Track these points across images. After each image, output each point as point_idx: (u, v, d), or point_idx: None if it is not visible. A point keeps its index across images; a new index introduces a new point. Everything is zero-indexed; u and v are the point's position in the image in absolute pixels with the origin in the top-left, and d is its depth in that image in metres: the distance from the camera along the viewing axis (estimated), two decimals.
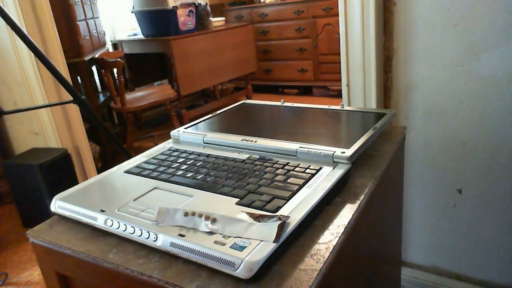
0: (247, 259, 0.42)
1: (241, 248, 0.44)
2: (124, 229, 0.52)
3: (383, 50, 1.11)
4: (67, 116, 2.00)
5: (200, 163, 0.68)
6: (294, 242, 0.49)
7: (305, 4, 3.73)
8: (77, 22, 2.41)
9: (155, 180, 0.63)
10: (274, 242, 0.45)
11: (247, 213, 0.50)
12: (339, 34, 1.14)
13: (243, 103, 1.00)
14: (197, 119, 0.90)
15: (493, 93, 1.00)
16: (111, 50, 3.41)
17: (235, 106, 0.97)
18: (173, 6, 2.98)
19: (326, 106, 0.91)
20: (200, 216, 0.49)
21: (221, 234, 0.47)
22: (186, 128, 0.83)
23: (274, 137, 0.72)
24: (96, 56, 2.64)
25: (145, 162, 0.71)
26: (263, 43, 4.13)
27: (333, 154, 0.63)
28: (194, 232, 0.48)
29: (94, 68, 3.06)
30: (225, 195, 0.56)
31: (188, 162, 0.69)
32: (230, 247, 0.44)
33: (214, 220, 0.49)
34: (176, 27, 3.07)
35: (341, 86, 1.19)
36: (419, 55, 1.06)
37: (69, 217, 0.58)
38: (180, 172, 0.65)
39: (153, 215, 0.52)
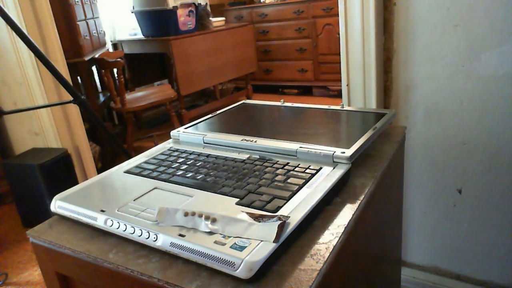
0: (247, 259, 0.42)
1: (241, 248, 0.44)
2: (124, 229, 0.52)
3: (383, 50, 1.11)
4: (67, 116, 2.00)
5: (200, 163, 0.68)
6: (294, 242, 0.49)
7: (305, 4, 3.73)
8: (77, 22, 2.40)
9: (155, 180, 0.63)
10: (274, 242, 0.45)
11: (247, 213, 0.50)
12: (339, 34, 1.14)
13: (243, 103, 1.00)
14: (197, 119, 0.90)
15: (493, 93, 1.00)
16: (111, 50, 3.41)
17: (235, 106, 0.97)
18: (173, 6, 2.98)
19: (326, 106, 0.91)
20: (200, 216, 0.50)
21: (221, 234, 0.47)
22: (186, 128, 0.83)
23: (274, 137, 0.72)
24: (96, 56, 2.64)
25: (145, 162, 0.71)
26: (263, 43, 4.13)
27: (333, 154, 0.63)
28: (194, 232, 0.48)
29: (94, 68, 3.06)
30: (225, 195, 0.56)
31: (188, 162, 0.69)
32: (230, 247, 0.44)
33: (214, 220, 0.49)
34: (176, 27, 3.07)
35: (341, 86, 1.19)
36: (419, 55, 1.06)
37: (69, 217, 0.58)
38: (180, 172, 0.65)
39: (153, 215, 0.52)
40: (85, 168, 2.11)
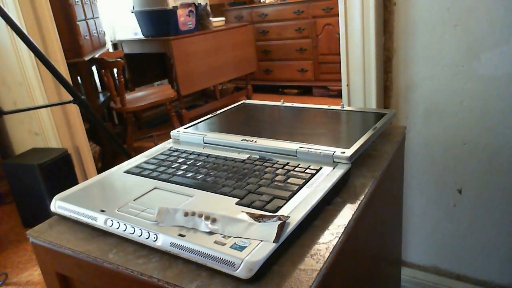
0: (247, 259, 0.42)
1: (241, 248, 0.44)
2: (124, 229, 0.52)
3: (383, 50, 1.11)
4: (67, 116, 2.00)
5: (200, 163, 0.68)
6: (294, 242, 0.49)
7: (305, 4, 3.72)
8: (77, 22, 2.40)
9: (155, 180, 0.63)
10: (274, 242, 0.45)
11: (247, 213, 0.50)
12: (339, 34, 1.14)
13: (243, 103, 1.00)
14: (197, 119, 0.90)
15: (493, 93, 1.00)
16: (111, 50, 3.41)
17: (235, 106, 0.97)
18: (173, 6, 2.98)
19: (326, 106, 0.91)
20: (200, 216, 0.50)
21: (221, 234, 0.47)
22: (186, 128, 0.83)
23: (274, 137, 0.72)
24: (96, 56, 2.64)
25: (145, 162, 0.71)
26: (263, 43, 4.13)
27: (333, 154, 0.63)
28: (194, 232, 0.48)
29: (94, 68, 3.06)
30: (225, 195, 0.56)
31: (188, 162, 0.69)
32: (230, 247, 0.44)
33: (214, 220, 0.49)
34: (176, 27, 3.07)
35: (341, 86, 1.19)
36: (419, 55, 1.06)
37: (69, 217, 0.58)
38: (180, 172, 0.65)
39: (153, 215, 0.52)
40: (85, 168, 2.11)
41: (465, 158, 1.09)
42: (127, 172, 0.68)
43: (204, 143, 0.77)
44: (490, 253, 1.14)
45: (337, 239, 0.49)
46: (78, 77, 2.49)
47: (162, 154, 0.74)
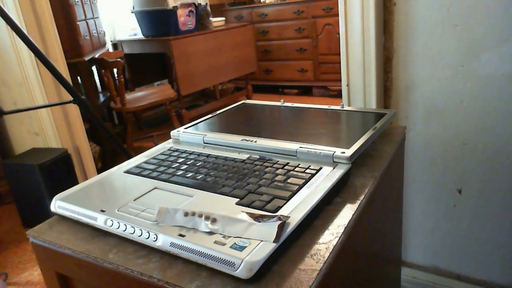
0: (247, 259, 0.42)
1: (241, 248, 0.44)
2: (124, 229, 0.52)
3: (383, 50, 1.11)
4: (67, 116, 2.00)
5: (200, 163, 0.68)
6: (294, 242, 0.49)
7: (305, 4, 3.73)
8: (77, 22, 2.40)
9: (155, 180, 0.63)
10: (274, 242, 0.45)
11: (247, 213, 0.50)
12: (339, 34, 1.14)
13: (243, 103, 1.00)
14: (197, 119, 0.90)
15: (493, 93, 1.00)
16: (111, 50, 3.41)
17: (235, 106, 0.97)
18: (173, 6, 2.98)
19: (326, 106, 0.91)
20: (200, 216, 0.50)
21: (221, 234, 0.47)
22: (186, 128, 0.83)
23: (274, 137, 0.72)
24: (96, 56, 2.64)
25: (145, 162, 0.71)
26: (263, 43, 4.13)
27: (333, 154, 0.63)
28: (194, 232, 0.48)
29: (94, 68, 3.06)
30: (225, 195, 0.56)
31: (188, 162, 0.69)
32: (230, 247, 0.44)
33: (214, 220, 0.49)
34: (176, 27, 3.07)
35: (341, 86, 1.19)
36: (419, 55, 1.06)
37: (69, 217, 0.58)
38: (180, 172, 0.65)
39: (153, 215, 0.52)
40: (85, 168, 2.11)
41: (465, 158, 1.09)
42: (127, 172, 0.68)
43: (204, 143, 0.77)
44: (490, 253, 1.14)
45: (337, 239, 0.49)
46: (78, 77, 2.49)
47: (162, 154, 0.74)
